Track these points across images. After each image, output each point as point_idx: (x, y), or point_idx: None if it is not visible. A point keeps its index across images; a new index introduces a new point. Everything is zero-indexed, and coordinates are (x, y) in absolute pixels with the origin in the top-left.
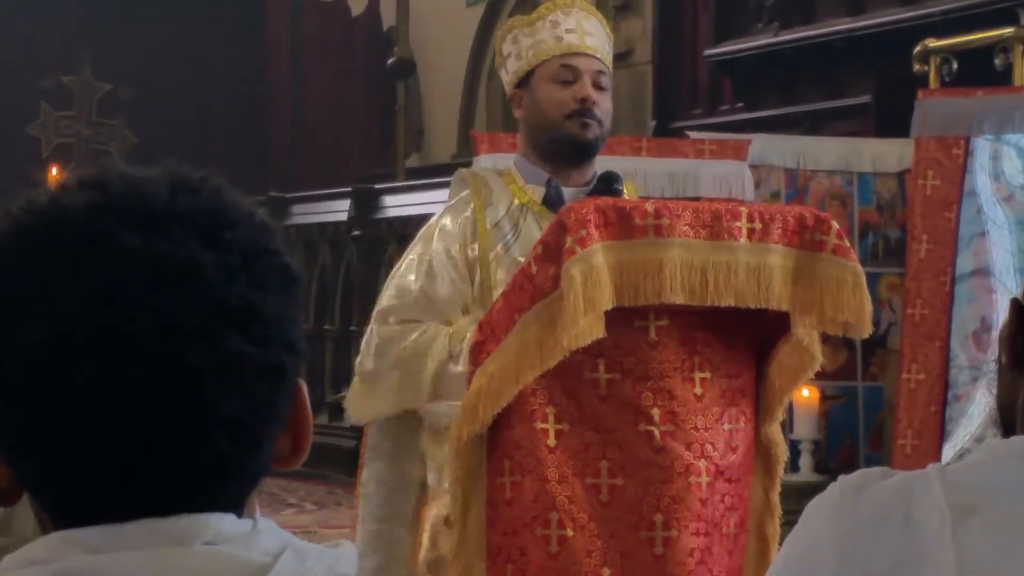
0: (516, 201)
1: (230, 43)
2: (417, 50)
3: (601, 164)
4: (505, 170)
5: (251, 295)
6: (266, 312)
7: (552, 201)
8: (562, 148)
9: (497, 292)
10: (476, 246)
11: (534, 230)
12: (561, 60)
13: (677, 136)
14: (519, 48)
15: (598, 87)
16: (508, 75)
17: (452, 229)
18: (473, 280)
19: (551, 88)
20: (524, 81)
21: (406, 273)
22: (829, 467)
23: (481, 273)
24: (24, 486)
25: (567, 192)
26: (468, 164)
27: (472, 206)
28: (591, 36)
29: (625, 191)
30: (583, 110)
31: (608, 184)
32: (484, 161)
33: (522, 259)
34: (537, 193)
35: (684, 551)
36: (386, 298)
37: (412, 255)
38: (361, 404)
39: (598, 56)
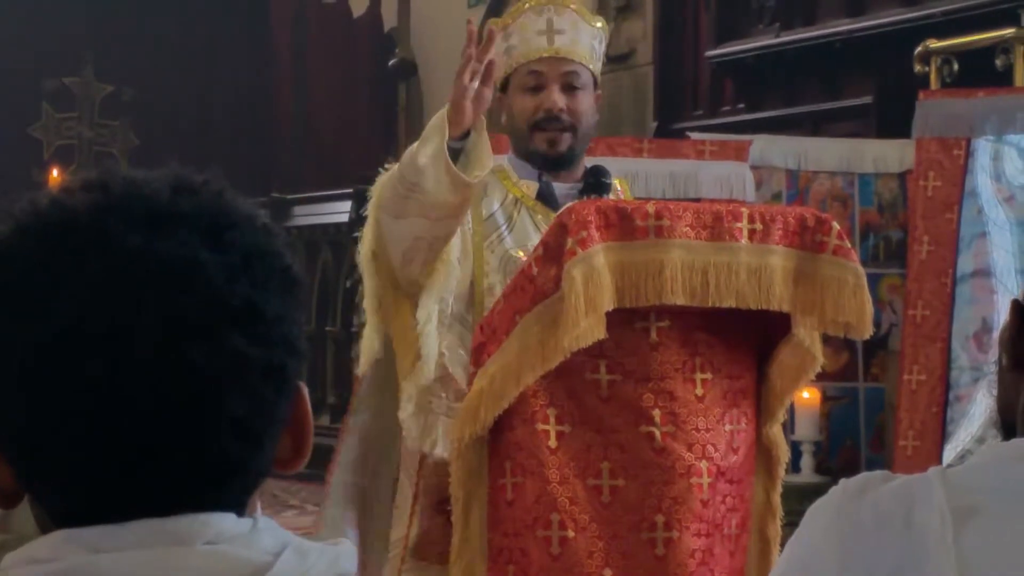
0: (510, 195)
1: (232, 45)
2: (419, 51)
3: (603, 165)
4: (498, 167)
5: (252, 295)
6: (267, 312)
7: (545, 196)
8: (535, 161)
9: (488, 280)
10: (472, 229)
11: (528, 224)
12: (528, 67)
13: (678, 137)
14: (496, 53)
15: (570, 88)
16: None
17: None
18: (464, 262)
19: (520, 98)
20: (504, 87)
21: None
22: (830, 468)
23: (474, 260)
24: (25, 486)
25: (558, 188)
26: None
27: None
28: (562, 34)
29: (619, 187)
30: (547, 120)
31: (596, 178)
32: None
33: (514, 251)
34: (531, 188)
35: (685, 552)
36: None
37: None
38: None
39: (569, 57)
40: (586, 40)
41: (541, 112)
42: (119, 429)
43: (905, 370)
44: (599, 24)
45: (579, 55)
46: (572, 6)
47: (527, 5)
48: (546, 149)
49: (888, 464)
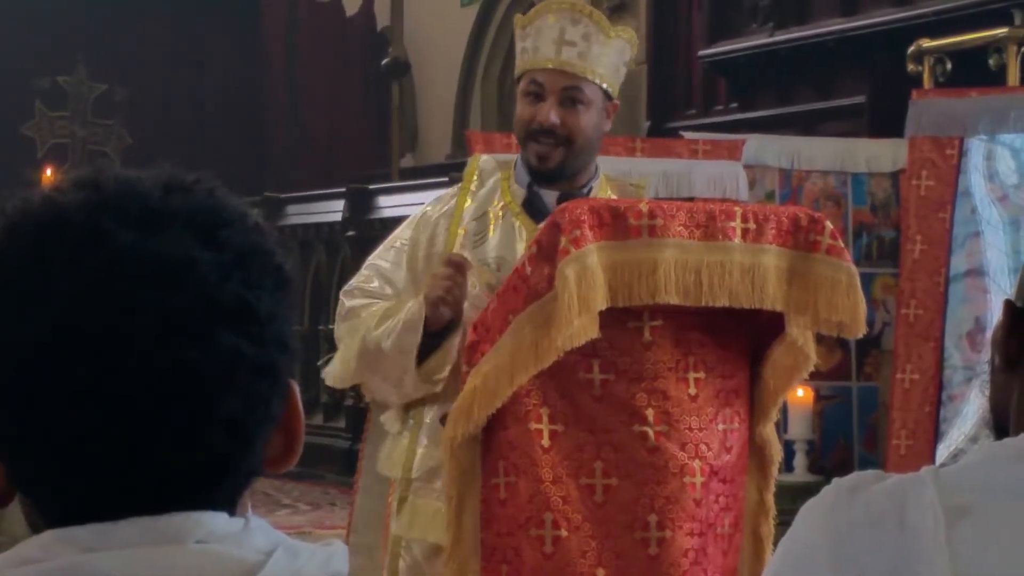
0: (498, 202)
1: (225, 44)
2: (412, 50)
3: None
4: (507, 163)
5: (245, 293)
6: (260, 311)
7: (531, 204)
8: (529, 169)
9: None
10: (441, 242)
11: (508, 232)
12: (532, 75)
13: (671, 136)
14: (517, 49)
15: (569, 102)
16: None
17: (430, 220)
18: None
19: (521, 103)
20: (518, 83)
21: (380, 254)
22: (823, 467)
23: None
24: (17, 486)
25: (547, 195)
26: (463, 164)
27: (455, 201)
28: (571, 47)
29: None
30: (538, 133)
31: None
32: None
33: (482, 262)
34: (520, 195)
35: (678, 551)
36: (356, 276)
37: (391, 235)
38: (332, 367)
39: (572, 71)
40: (598, 52)
41: (535, 124)
42: (112, 429)
43: (898, 369)
44: (623, 36)
45: (585, 70)
46: (590, 16)
47: (547, 9)
48: (536, 163)
49: (881, 463)
